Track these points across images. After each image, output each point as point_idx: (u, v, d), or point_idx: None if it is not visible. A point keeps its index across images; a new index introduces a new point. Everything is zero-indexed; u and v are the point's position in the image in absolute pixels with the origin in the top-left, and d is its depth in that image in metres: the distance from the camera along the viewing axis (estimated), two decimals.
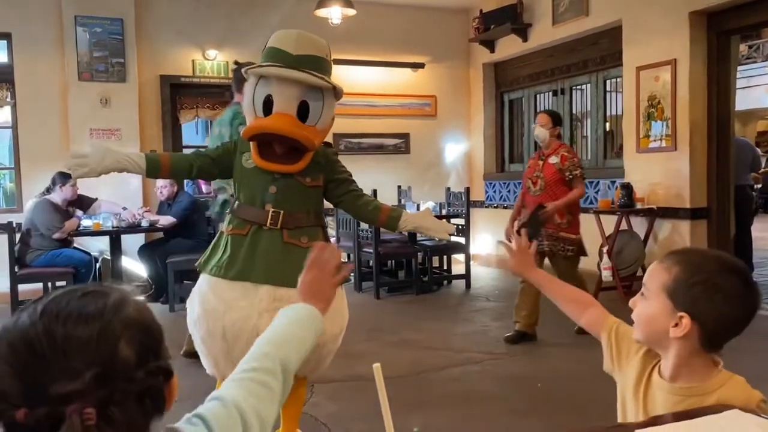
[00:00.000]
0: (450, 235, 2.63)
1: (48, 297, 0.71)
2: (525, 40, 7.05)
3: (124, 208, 5.68)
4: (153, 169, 2.44)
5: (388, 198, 6.97)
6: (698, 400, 1.18)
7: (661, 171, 5.49)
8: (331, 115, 2.40)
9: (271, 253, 2.33)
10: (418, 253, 6.23)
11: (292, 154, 2.33)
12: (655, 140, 5.55)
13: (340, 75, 7.35)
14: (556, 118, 4.49)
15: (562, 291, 1.58)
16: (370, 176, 7.18)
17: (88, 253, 5.55)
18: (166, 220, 5.76)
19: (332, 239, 6.69)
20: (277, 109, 2.29)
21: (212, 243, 2.49)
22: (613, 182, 5.86)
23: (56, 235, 5.25)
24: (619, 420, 1.31)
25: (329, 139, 7.29)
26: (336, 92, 2.39)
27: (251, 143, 2.37)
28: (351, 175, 2.59)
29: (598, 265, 5.54)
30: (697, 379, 1.21)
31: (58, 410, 0.63)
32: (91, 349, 0.66)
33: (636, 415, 1.27)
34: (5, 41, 6.17)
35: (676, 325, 1.19)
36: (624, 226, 5.56)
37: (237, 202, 2.46)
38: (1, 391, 0.65)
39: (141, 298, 0.77)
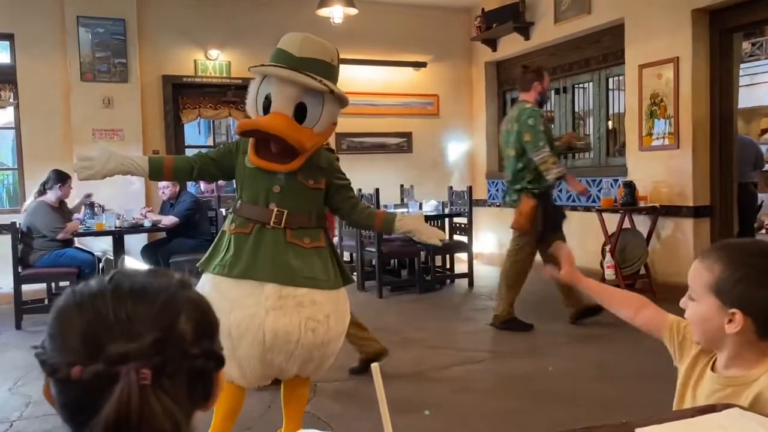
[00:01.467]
0: (441, 241, 2.62)
1: (115, 270, 0.74)
2: (527, 38, 7.04)
3: (88, 195, 5.69)
4: (156, 172, 2.47)
5: (390, 197, 6.99)
6: (737, 390, 1.18)
7: (664, 169, 5.47)
8: (330, 120, 2.40)
9: (275, 252, 2.34)
10: (421, 252, 6.22)
11: (288, 154, 2.33)
12: (657, 138, 5.54)
13: (343, 74, 7.31)
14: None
15: (612, 296, 1.58)
16: (373, 175, 7.19)
17: (91, 253, 5.56)
18: (168, 220, 5.77)
19: (334, 238, 6.69)
20: (274, 109, 2.30)
21: (213, 242, 2.49)
22: (616, 180, 5.85)
23: (60, 236, 5.26)
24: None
25: (330, 138, 7.29)
26: (337, 97, 2.37)
27: (250, 142, 2.38)
28: (350, 183, 2.61)
29: (601, 264, 5.54)
30: (744, 370, 1.21)
31: (114, 369, 0.64)
32: (153, 316, 0.68)
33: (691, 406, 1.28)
34: (8, 42, 6.18)
35: (730, 321, 1.19)
36: (627, 224, 5.55)
37: (239, 201, 2.47)
38: (62, 348, 0.67)
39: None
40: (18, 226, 5.15)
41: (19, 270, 5.11)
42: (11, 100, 6.19)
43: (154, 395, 0.64)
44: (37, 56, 6.14)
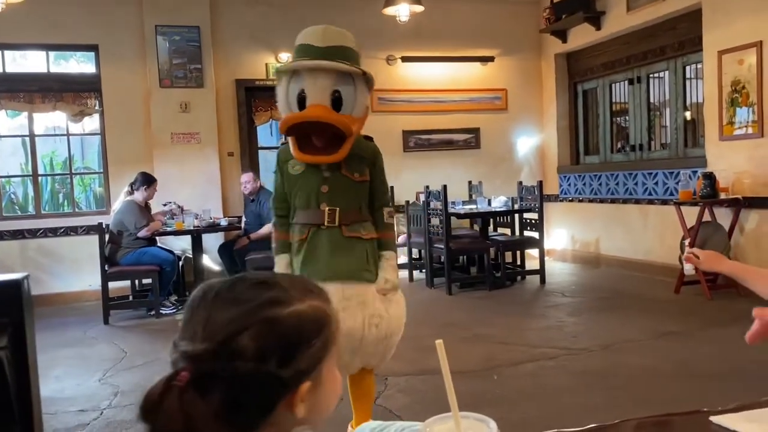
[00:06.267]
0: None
1: (244, 274, 0.79)
2: (598, 28, 6.86)
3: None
4: (287, 250, 2.48)
5: (458, 193, 6.96)
6: None
7: (747, 159, 5.22)
8: (365, 103, 2.40)
9: (333, 250, 2.36)
10: (491, 249, 6.18)
11: (332, 144, 2.33)
12: (740, 127, 5.29)
13: (409, 72, 7.37)
14: None
15: (757, 276, 1.44)
16: (441, 172, 7.19)
17: (172, 252, 5.81)
18: (265, 230, 5.83)
19: (403, 235, 6.73)
20: (311, 101, 2.31)
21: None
22: (695, 172, 5.62)
23: (141, 234, 5.53)
24: None
25: (398, 136, 7.33)
26: (367, 79, 2.38)
27: (291, 148, 2.37)
28: (386, 185, 2.58)
29: (680, 259, 5.34)
30: None
31: (176, 364, 0.70)
32: (221, 325, 0.71)
33: None
34: (93, 53, 6.54)
35: None
36: (707, 217, 5.33)
37: (294, 210, 2.48)
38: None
39: (318, 306, 0.77)
40: (105, 226, 5.44)
41: (106, 268, 5.41)
42: (97, 108, 6.54)
43: (180, 398, 0.66)
44: (120, 65, 6.46)
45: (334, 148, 2.33)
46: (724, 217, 5.38)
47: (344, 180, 2.40)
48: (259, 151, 7.26)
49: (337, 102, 2.32)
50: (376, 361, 2.49)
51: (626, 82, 6.94)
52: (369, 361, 2.46)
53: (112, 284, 5.48)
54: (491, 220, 6.75)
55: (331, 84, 2.31)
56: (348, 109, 2.34)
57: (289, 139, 2.38)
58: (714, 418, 0.97)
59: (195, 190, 6.44)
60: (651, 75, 6.67)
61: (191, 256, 5.99)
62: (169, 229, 5.73)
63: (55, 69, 6.63)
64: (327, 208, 2.38)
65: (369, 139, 2.57)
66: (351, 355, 2.37)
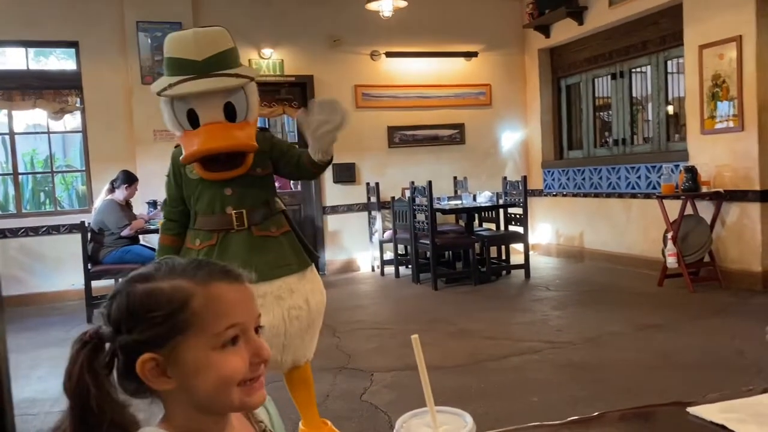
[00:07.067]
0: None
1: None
2: (581, 23, 6.89)
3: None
4: (176, 252, 2.45)
5: (444, 189, 6.97)
6: None
7: (728, 152, 5.28)
8: (256, 103, 2.34)
9: (243, 252, 2.32)
10: (476, 244, 6.20)
11: (235, 156, 2.30)
12: (721, 121, 5.34)
13: (393, 67, 7.36)
14: None
15: None
16: (426, 168, 7.20)
17: (155, 250, 5.76)
18: None
19: (388, 231, 6.74)
20: (204, 120, 2.25)
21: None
22: (677, 166, 5.67)
23: (125, 233, 5.48)
24: None
25: (383, 131, 7.32)
26: (252, 77, 2.32)
27: (195, 168, 2.34)
28: (290, 145, 2.54)
29: (663, 252, 5.39)
30: None
31: None
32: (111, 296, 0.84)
33: None
34: (73, 49, 6.46)
35: None
36: (689, 210, 5.38)
37: (195, 214, 2.42)
38: None
39: (179, 286, 0.81)
40: (87, 225, 5.39)
41: (89, 267, 5.36)
42: (78, 105, 6.46)
43: (79, 350, 0.80)
44: (101, 62, 6.38)
45: (237, 159, 2.30)
46: (705, 210, 5.43)
47: (247, 178, 2.36)
48: None
49: (230, 112, 2.27)
50: (307, 353, 2.47)
51: (609, 76, 6.98)
52: (300, 354, 2.43)
53: (95, 283, 5.42)
54: (476, 215, 6.77)
55: (220, 100, 2.24)
56: (242, 116, 2.29)
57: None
58: (691, 409, 0.98)
59: None
60: (633, 70, 6.72)
61: None
62: (152, 227, 5.68)
63: (34, 66, 6.54)
64: (234, 212, 2.34)
65: (264, 130, 2.52)
66: (281, 353, 2.33)
